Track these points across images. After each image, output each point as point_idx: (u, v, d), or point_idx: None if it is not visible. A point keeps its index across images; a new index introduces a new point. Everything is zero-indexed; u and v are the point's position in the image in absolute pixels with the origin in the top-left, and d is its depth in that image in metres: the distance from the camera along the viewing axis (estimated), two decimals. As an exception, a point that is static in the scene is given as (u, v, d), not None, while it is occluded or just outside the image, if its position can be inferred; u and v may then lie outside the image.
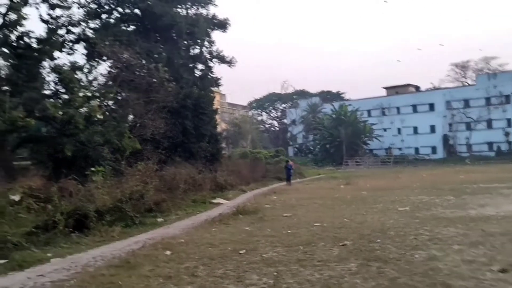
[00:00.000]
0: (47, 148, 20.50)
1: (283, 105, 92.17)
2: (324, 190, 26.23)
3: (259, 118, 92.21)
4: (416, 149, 74.46)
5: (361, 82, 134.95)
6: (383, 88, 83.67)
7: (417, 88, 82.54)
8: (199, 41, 35.66)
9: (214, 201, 21.43)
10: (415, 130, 75.74)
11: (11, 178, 16.97)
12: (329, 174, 47.29)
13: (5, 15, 20.63)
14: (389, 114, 78.70)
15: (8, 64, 22.65)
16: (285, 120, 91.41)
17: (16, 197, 13.53)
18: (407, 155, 71.79)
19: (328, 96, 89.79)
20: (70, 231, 11.95)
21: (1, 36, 20.91)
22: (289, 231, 11.95)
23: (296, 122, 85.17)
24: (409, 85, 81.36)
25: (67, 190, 14.05)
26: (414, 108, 76.22)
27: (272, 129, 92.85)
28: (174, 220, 15.35)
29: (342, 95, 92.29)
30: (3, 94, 19.99)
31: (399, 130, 77.35)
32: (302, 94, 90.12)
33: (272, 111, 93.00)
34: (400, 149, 75.88)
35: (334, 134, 69.67)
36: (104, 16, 31.00)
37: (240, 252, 9.49)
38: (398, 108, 77.95)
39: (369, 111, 79.03)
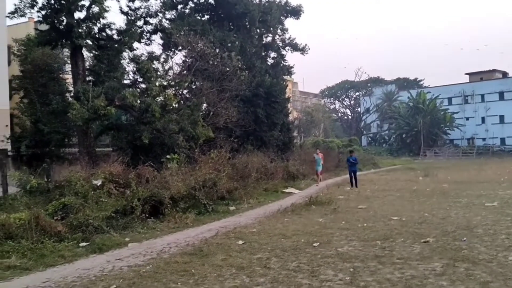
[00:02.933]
0: (127, 136, 21.36)
1: (357, 93, 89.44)
2: (401, 181, 25.01)
3: (332, 106, 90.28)
4: (502, 140, 69.05)
5: (441, 69, 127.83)
6: (466, 74, 78.33)
7: (504, 74, 76.27)
8: (271, 29, 35.39)
9: (286, 190, 21.20)
10: (502, 119, 70.18)
11: (94, 164, 17.83)
12: (405, 165, 45.22)
13: (88, 8, 21.61)
14: (472, 102, 73.51)
15: (91, 55, 23.89)
16: (358, 109, 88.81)
17: (98, 182, 14.11)
18: (492, 146, 66.73)
19: (404, 84, 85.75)
20: (146, 216, 12.31)
21: (85, 28, 21.96)
22: (365, 225, 11.40)
23: (370, 110, 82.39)
24: (495, 70, 75.36)
25: (144, 176, 14.46)
26: (501, 95, 70.57)
27: (345, 117, 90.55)
28: (246, 209, 15.32)
29: (420, 82, 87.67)
30: (86, 84, 21.04)
31: (483, 119, 72.08)
32: (377, 81, 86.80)
33: (345, 99, 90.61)
34: (484, 139, 70.71)
35: (411, 123, 66.55)
36: (179, 6, 31.71)
37: (314, 244, 9.15)
38: (482, 96, 72.58)
39: (449, 99, 74.33)
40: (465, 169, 35.43)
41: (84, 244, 9.65)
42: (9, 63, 26.41)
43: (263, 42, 35.43)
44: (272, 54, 36.53)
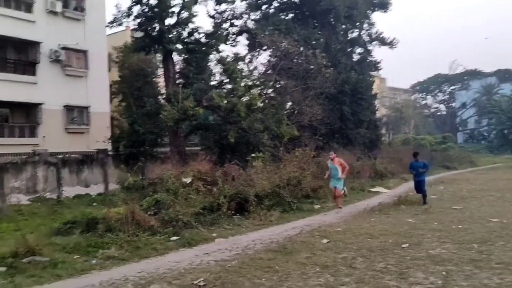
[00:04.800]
0: (214, 135, 22.11)
1: (451, 87, 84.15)
2: (502, 181, 23.09)
3: (423, 102, 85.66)
4: None
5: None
6: None
7: None
8: (357, 24, 34.55)
9: (373, 189, 20.58)
10: None
11: (184, 162, 18.69)
12: (507, 163, 41.69)
13: (178, 14, 22.70)
14: None
15: (181, 59, 25.06)
16: (453, 104, 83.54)
17: (188, 180, 14.77)
18: None
19: (506, 75, 78.96)
20: (232, 213, 12.63)
21: (176, 33, 23.11)
22: (459, 226, 10.68)
23: (466, 105, 77.11)
24: None
25: (230, 174, 14.87)
26: None
27: (438, 113, 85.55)
28: (331, 208, 15.09)
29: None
30: (177, 86, 22.12)
31: None
32: (474, 74, 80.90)
33: (439, 94, 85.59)
34: None
35: (514, 118, 61.29)
36: (264, 7, 32.14)
37: (403, 246, 8.76)
38: None
39: (559, 91, 67.28)
40: None
41: (174, 238, 10.13)
42: (109, 69, 28.52)
43: (349, 37, 34.67)
44: (358, 50, 35.67)
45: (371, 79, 34.99)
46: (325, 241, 9.46)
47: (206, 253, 8.80)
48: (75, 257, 8.41)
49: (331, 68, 26.78)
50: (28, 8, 23.12)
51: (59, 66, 24.08)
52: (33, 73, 23.30)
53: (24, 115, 23.57)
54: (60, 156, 20.90)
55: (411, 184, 22.29)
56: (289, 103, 25.66)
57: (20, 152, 20.48)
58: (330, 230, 10.72)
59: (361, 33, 35.53)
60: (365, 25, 35.54)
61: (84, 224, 10.34)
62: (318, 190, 16.58)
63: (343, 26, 33.74)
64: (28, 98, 22.67)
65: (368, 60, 35.49)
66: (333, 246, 8.95)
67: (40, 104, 23.08)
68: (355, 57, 35.16)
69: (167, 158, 23.12)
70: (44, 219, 13.80)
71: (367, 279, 6.63)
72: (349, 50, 34.42)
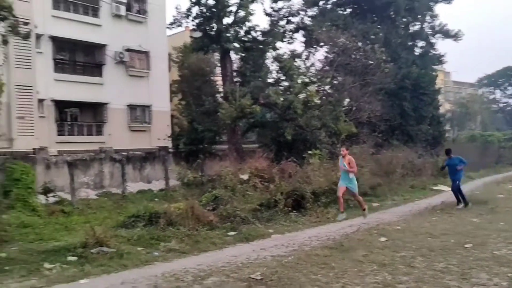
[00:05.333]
0: (271, 132, 22.26)
1: (523, 81, 79.07)
2: None
3: (491, 96, 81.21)
4: None
5: None
6: None
7: None
8: (419, 16, 33.31)
9: (436, 187, 19.86)
10: None
11: (241, 160, 18.97)
12: None
13: (235, 13, 23.06)
14: None
15: (238, 57, 25.42)
16: (525, 98, 78.48)
17: (245, 177, 15.01)
18: None
19: None
20: (289, 210, 12.69)
21: (233, 32, 23.50)
22: (529, 227, 10.10)
23: (540, 99, 72.24)
24: None
25: (287, 171, 14.93)
26: None
27: (508, 108, 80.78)
28: (390, 206, 14.76)
29: None
30: (234, 85, 22.48)
31: None
32: (548, 66, 75.55)
33: (508, 88, 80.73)
34: None
35: None
36: (321, 3, 31.81)
37: (466, 246, 8.42)
38: None
39: None
40: None
41: (232, 233, 10.35)
42: (169, 69, 29.46)
43: (410, 31, 33.49)
44: (420, 43, 34.36)
45: (434, 73, 33.62)
46: (383, 239, 9.29)
47: (263, 249, 8.92)
48: (139, 248, 8.83)
49: (391, 63, 26.06)
50: (95, 13, 24.42)
51: (123, 67, 25.23)
52: (99, 74, 24.60)
53: (92, 114, 24.96)
54: (124, 153, 21.91)
55: (477, 182, 21.32)
56: (347, 100, 25.24)
57: (88, 149, 21.69)
58: (388, 228, 10.51)
59: (423, 26, 34.18)
60: (428, 18, 34.17)
61: (147, 218, 10.81)
62: (377, 187, 16.28)
63: (404, 19, 32.64)
64: (95, 98, 23.98)
65: (431, 54, 34.12)
66: (392, 245, 8.77)
67: (106, 103, 24.33)
68: (417, 51, 33.90)
69: (225, 155, 23.56)
70: (110, 212, 14.60)
71: (427, 279, 6.45)
72: (410, 44, 33.25)
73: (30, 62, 19.01)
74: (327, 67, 24.52)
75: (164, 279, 6.87)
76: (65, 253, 8.32)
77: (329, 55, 25.31)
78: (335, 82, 24.93)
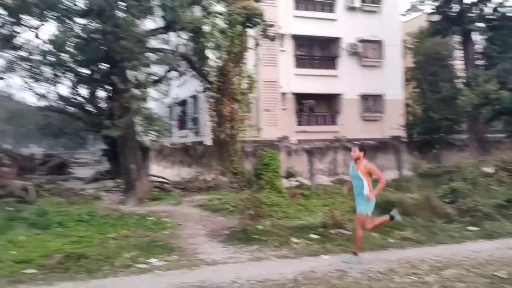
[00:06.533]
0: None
1: None
2: None
3: None
4: None
5: None
6: None
7: None
8: None
9: None
10: None
11: (484, 151, 17.33)
12: None
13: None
14: None
15: (482, 38, 23.03)
16: None
17: (490, 169, 13.71)
18: None
19: None
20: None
21: (478, 11, 21.44)
22: None
23: None
24: None
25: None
26: None
27: None
28: None
29: None
30: (477, 68, 20.52)
31: None
32: None
33: None
34: None
35: None
36: None
37: None
38: None
39: None
40: None
41: (472, 228, 9.70)
42: (403, 56, 28.65)
43: None
44: None
45: None
46: None
47: (509, 247, 8.14)
48: (374, 234, 9.16)
49: None
50: (331, 8, 25.59)
51: (356, 58, 25.75)
52: (334, 66, 25.73)
53: (326, 105, 26.34)
54: (357, 143, 22.44)
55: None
56: None
57: (323, 138, 23.07)
58: None
59: None
60: None
61: (381, 206, 11.02)
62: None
63: None
64: (330, 90, 25.23)
65: None
66: None
67: (340, 94, 25.33)
68: None
69: (464, 145, 21.84)
70: (345, 198, 15.30)
71: None
72: None
73: (276, 60, 21.51)
74: None
75: (399, 264, 7.03)
76: (308, 230, 9.27)
77: None
78: None
